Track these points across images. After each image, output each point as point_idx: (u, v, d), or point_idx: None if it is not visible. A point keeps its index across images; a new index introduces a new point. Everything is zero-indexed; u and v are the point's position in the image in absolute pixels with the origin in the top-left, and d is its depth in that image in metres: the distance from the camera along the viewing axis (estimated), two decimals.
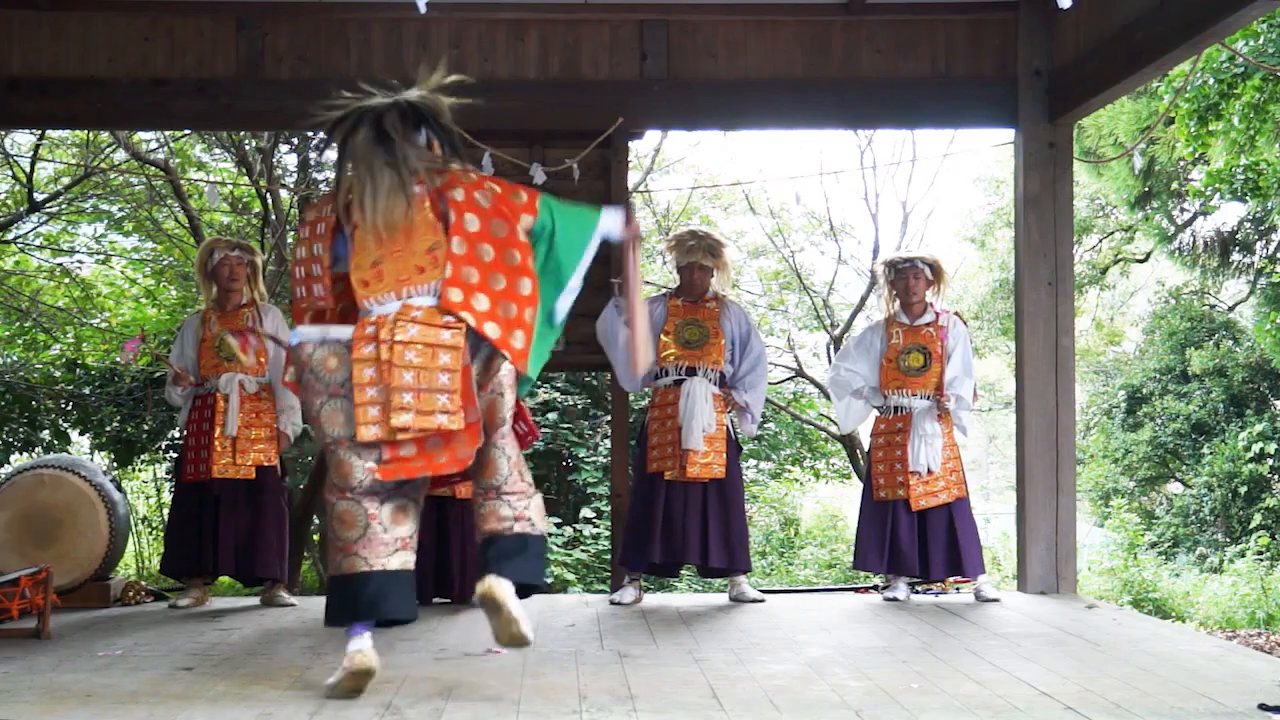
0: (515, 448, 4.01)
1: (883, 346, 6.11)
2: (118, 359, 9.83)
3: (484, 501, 3.94)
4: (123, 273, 12.40)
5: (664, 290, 6.23)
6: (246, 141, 10.54)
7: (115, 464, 10.35)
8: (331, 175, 11.06)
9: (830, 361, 13.86)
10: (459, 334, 3.76)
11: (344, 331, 3.81)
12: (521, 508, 3.94)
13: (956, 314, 6.19)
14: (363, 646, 3.79)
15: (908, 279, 6.09)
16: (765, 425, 13.44)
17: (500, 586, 3.79)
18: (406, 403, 3.69)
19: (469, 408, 3.76)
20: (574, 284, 4.01)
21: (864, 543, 6.09)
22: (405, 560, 3.87)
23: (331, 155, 11.28)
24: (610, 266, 6.49)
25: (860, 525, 6.16)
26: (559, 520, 11.48)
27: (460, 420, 3.74)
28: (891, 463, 6.02)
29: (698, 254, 6.06)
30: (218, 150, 11.33)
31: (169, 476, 11.23)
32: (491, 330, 3.79)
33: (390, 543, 3.83)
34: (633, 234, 4.12)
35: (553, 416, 12.09)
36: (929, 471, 5.95)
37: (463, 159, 3.98)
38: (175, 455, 9.67)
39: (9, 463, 9.90)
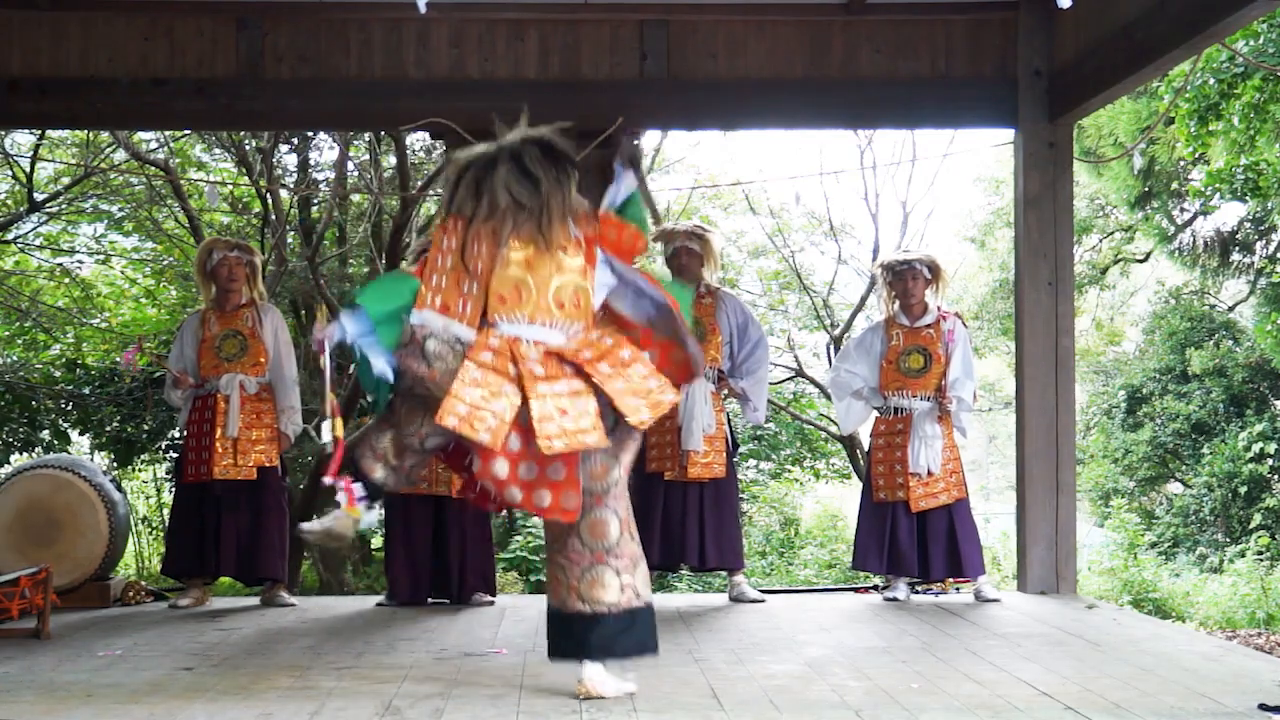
0: (626, 506, 3.89)
1: (882, 348, 6.10)
2: (118, 359, 9.83)
3: (592, 565, 3.78)
4: (123, 273, 12.40)
5: None
6: (246, 141, 10.54)
7: (115, 464, 10.35)
8: (332, 176, 11.11)
9: (830, 362, 13.89)
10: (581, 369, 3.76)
11: (466, 332, 3.79)
12: (629, 577, 3.80)
13: (957, 315, 6.18)
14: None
15: (906, 280, 6.09)
16: (765, 425, 13.43)
17: (595, 685, 3.75)
18: (552, 431, 3.65)
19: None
20: None
21: (863, 543, 6.09)
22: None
23: (331, 157, 11.29)
24: None
25: (859, 526, 6.16)
26: None
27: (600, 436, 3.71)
28: (891, 464, 6.02)
29: (682, 237, 6.07)
30: (218, 150, 11.34)
31: (169, 476, 11.23)
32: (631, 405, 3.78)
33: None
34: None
35: None
36: (929, 473, 5.94)
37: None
38: (175, 455, 9.66)
39: (9, 463, 9.89)
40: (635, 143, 4.18)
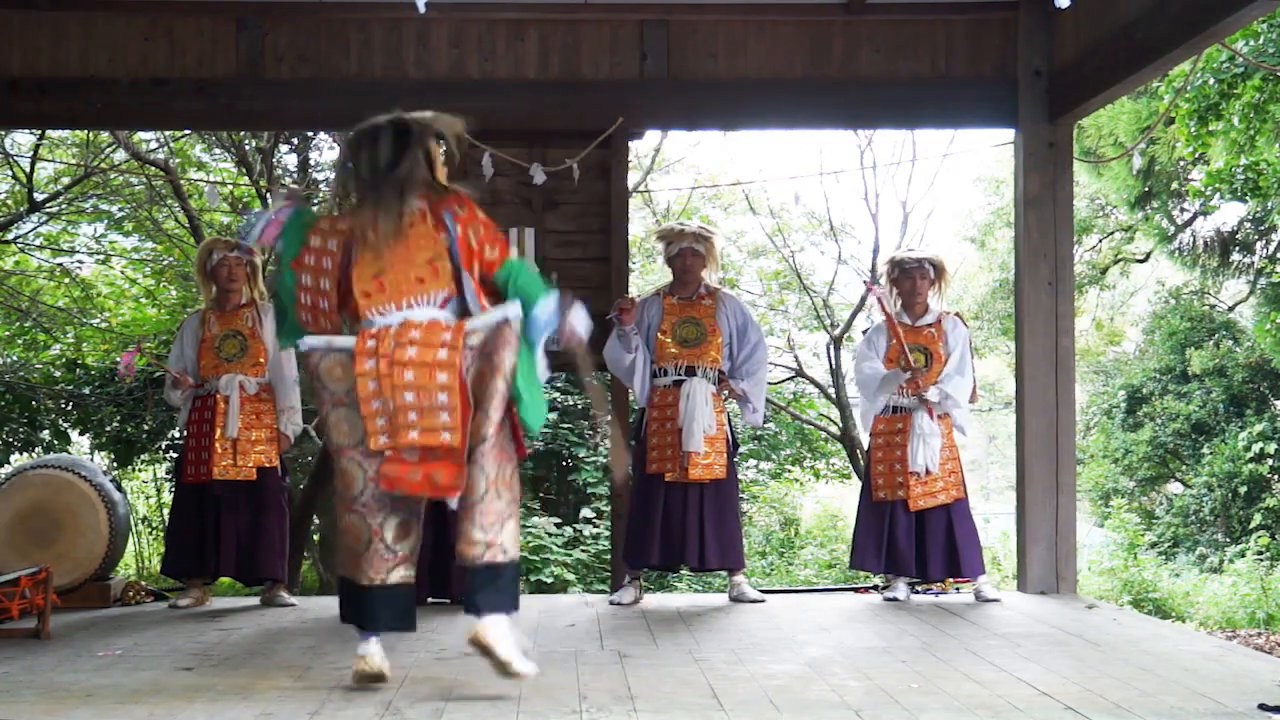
0: (495, 464, 3.88)
1: (885, 346, 6.10)
2: (117, 359, 9.84)
3: (460, 519, 3.87)
4: (123, 273, 12.41)
5: (658, 290, 6.21)
6: (246, 141, 10.54)
7: (115, 464, 10.36)
8: (332, 176, 11.12)
9: (830, 362, 13.89)
10: (455, 351, 3.78)
11: (348, 342, 3.86)
12: (495, 533, 3.84)
13: (957, 314, 6.19)
14: (368, 651, 3.93)
15: (914, 279, 6.08)
16: (765, 425, 13.44)
17: (485, 631, 3.79)
18: (411, 420, 3.74)
19: (466, 424, 3.77)
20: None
21: (862, 543, 6.09)
22: (404, 576, 3.94)
23: (332, 157, 11.30)
24: (611, 269, 6.50)
25: (858, 525, 6.16)
26: (559, 520, 11.48)
27: (460, 436, 3.75)
28: (891, 463, 6.02)
29: (687, 238, 6.06)
30: (218, 150, 11.34)
31: (169, 476, 11.23)
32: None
33: (390, 560, 3.91)
34: (571, 340, 3.97)
35: (553, 416, 12.09)
36: (927, 472, 5.94)
37: (464, 176, 3.99)
38: (175, 455, 9.67)
39: (9, 463, 9.90)
40: (578, 328, 4.08)
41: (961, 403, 5.99)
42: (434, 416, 3.74)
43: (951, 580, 6.23)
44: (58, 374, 10.56)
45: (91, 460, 9.39)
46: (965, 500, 6.07)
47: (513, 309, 3.84)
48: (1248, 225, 13.70)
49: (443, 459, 3.78)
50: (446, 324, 3.83)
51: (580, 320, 3.95)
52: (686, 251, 6.05)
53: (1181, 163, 12.45)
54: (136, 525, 11.92)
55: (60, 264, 12.05)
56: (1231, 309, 16.72)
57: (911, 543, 5.97)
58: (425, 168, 3.92)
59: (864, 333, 6.41)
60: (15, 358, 11.19)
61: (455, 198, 3.93)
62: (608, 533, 9.53)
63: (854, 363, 6.41)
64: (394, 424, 3.76)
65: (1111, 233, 16.82)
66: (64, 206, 11.23)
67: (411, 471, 3.79)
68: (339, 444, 3.91)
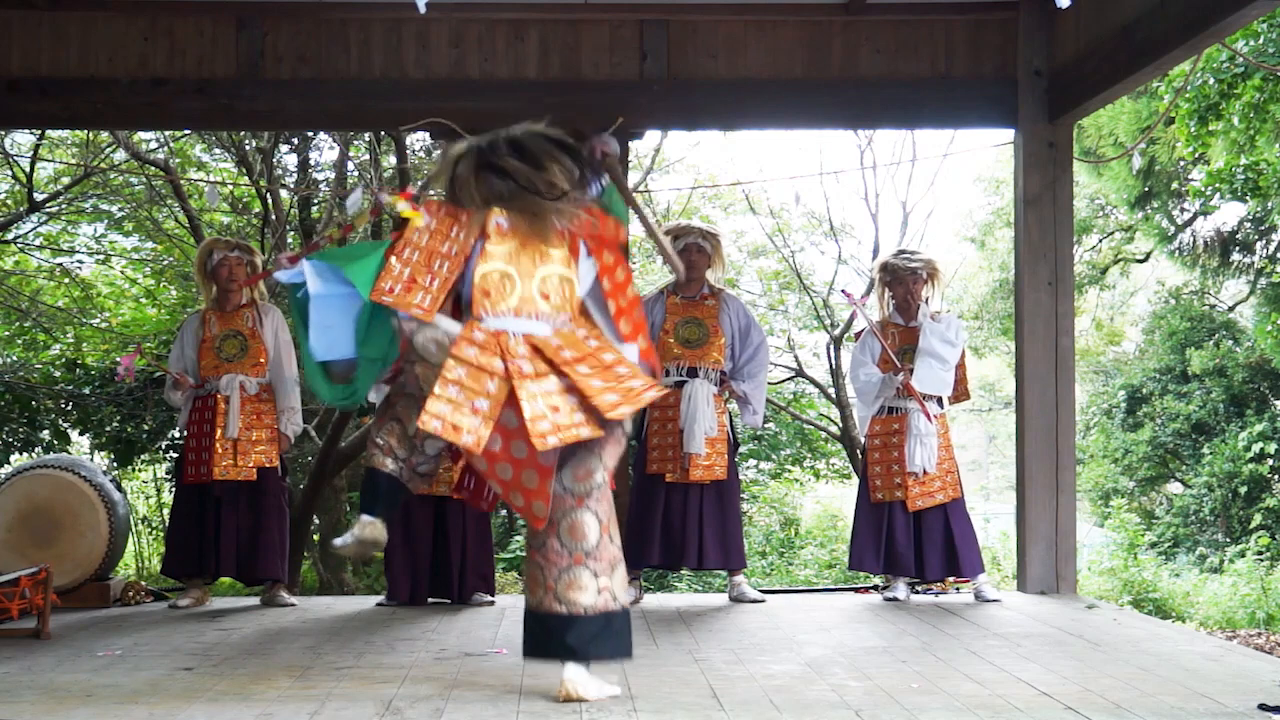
0: (608, 509, 3.83)
1: (879, 349, 6.10)
2: (118, 360, 9.84)
3: (570, 567, 3.74)
4: (123, 273, 12.40)
5: (661, 290, 6.21)
6: (246, 141, 10.54)
7: (115, 464, 10.35)
8: (332, 176, 11.12)
9: (831, 362, 13.88)
10: (573, 364, 3.74)
11: (453, 326, 3.78)
12: (607, 579, 3.76)
13: (947, 313, 6.20)
14: (374, 519, 3.91)
15: (908, 284, 6.10)
16: (765, 425, 13.44)
17: (577, 687, 3.72)
18: (544, 429, 3.61)
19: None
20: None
21: (860, 544, 6.09)
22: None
23: (331, 157, 11.29)
24: None
25: (856, 526, 6.16)
26: None
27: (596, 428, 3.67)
28: (889, 464, 6.02)
29: (694, 234, 6.07)
30: (218, 150, 11.33)
31: (169, 476, 11.23)
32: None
33: (417, 467, 3.99)
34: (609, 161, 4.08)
35: None
36: (924, 472, 5.95)
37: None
38: (175, 456, 9.66)
39: (9, 463, 9.89)
40: (607, 138, 4.10)
41: (927, 381, 5.94)
42: (573, 416, 3.66)
43: (951, 580, 6.24)
44: (58, 374, 10.55)
45: (91, 460, 9.39)
46: (962, 500, 6.08)
47: (629, 350, 3.88)
48: (1248, 225, 13.70)
49: (540, 484, 3.68)
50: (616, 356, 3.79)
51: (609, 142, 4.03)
52: (692, 247, 6.05)
53: (1181, 163, 12.45)
54: (136, 525, 11.92)
55: (60, 264, 12.04)
56: (1231, 309, 16.72)
57: (910, 543, 5.98)
58: (569, 183, 3.81)
59: (857, 335, 6.42)
60: (15, 358, 11.18)
61: (589, 223, 3.88)
62: None
63: (850, 369, 6.41)
64: (557, 425, 3.63)
65: (1111, 233, 16.83)
66: (64, 206, 11.23)
67: (503, 467, 3.70)
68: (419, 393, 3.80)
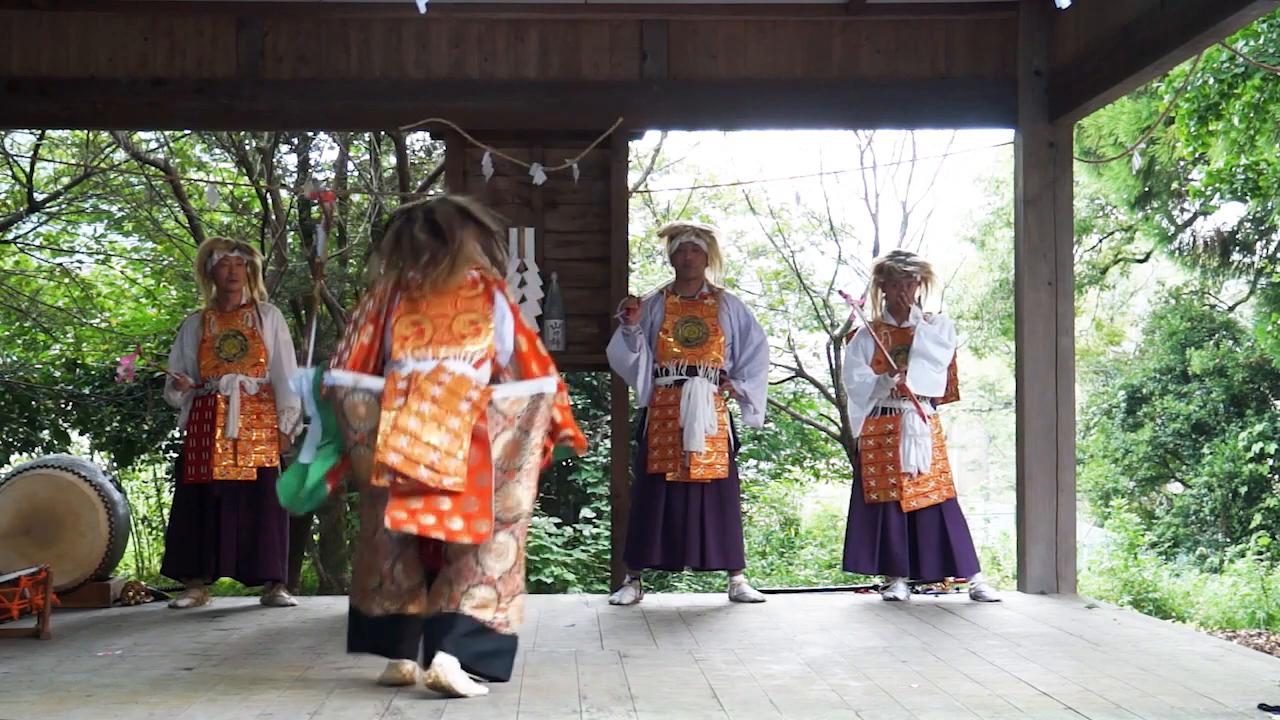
0: (523, 543, 4.01)
1: (873, 349, 6.10)
2: (118, 359, 9.85)
3: (480, 584, 3.88)
4: (123, 273, 12.41)
5: (661, 290, 6.21)
6: (246, 141, 10.54)
7: (115, 464, 10.35)
8: (332, 176, 11.13)
9: (831, 362, 13.89)
10: (478, 410, 3.86)
11: (375, 383, 3.91)
12: (507, 604, 3.92)
13: (940, 313, 6.20)
14: (399, 662, 4.00)
15: (902, 286, 6.10)
16: (765, 425, 13.44)
17: (448, 674, 3.79)
18: (400, 446, 3.76)
19: (474, 478, 3.82)
20: None
21: (855, 544, 6.09)
22: (418, 608, 4.00)
23: (331, 157, 11.30)
24: (611, 269, 6.50)
25: (851, 527, 6.16)
26: (559, 520, 11.48)
27: (467, 486, 3.79)
28: (883, 465, 6.02)
29: (688, 233, 6.07)
30: (218, 150, 11.34)
31: (169, 476, 11.23)
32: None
33: (403, 594, 3.99)
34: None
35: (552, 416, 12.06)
36: (919, 472, 5.95)
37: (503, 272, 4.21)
38: (175, 456, 9.67)
39: (9, 463, 9.90)
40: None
41: (918, 379, 5.94)
42: (447, 462, 3.78)
43: (952, 580, 6.24)
44: (58, 374, 10.55)
45: (91, 460, 9.39)
46: (955, 499, 6.08)
47: (548, 384, 4.00)
48: (1248, 225, 13.70)
49: (454, 509, 3.79)
50: (477, 383, 3.90)
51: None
52: (687, 246, 6.04)
53: (1181, 163, 12.45)
54: (136, 525, 11.92)
55: (60, 264, 12.05)
56: (1231, 309, 16.72)
57: (905, 543, 5.98)
58: (479, 246, 4.04)
59: (850, 335, 6.41)
60: (15, 358, 11.19)
61: (502, 285, 4.10)
62: (608, 533, 9.53)
63: (844, 370, 6.42)
64: (408, 456, 3.76)
65: (1111, 233, 16.83)
66: (64, 206, 11.23)
67: (424, 515, 3.79)
68: (362, 479, 3.96)
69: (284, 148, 10.88)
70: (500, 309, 4.04)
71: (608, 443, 10.57)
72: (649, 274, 14.40)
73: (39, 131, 10.20)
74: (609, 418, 8.40)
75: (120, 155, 10.81)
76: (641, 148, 12.47)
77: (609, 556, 8.04)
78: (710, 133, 12.78)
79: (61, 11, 6.36)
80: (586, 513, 11.65)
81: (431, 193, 3.96)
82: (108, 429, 10.04)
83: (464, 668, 3.83)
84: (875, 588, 6.65)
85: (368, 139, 11.09)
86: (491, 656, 3.90)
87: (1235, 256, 14.01)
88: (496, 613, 3.89)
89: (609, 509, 8.09)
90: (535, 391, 3.97)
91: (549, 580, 10.55)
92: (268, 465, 5.95)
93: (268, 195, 10.62)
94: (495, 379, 4.04)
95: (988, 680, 4.10)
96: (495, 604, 3.88)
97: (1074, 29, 6.14)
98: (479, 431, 3.85)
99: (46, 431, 10.16)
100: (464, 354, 3.94)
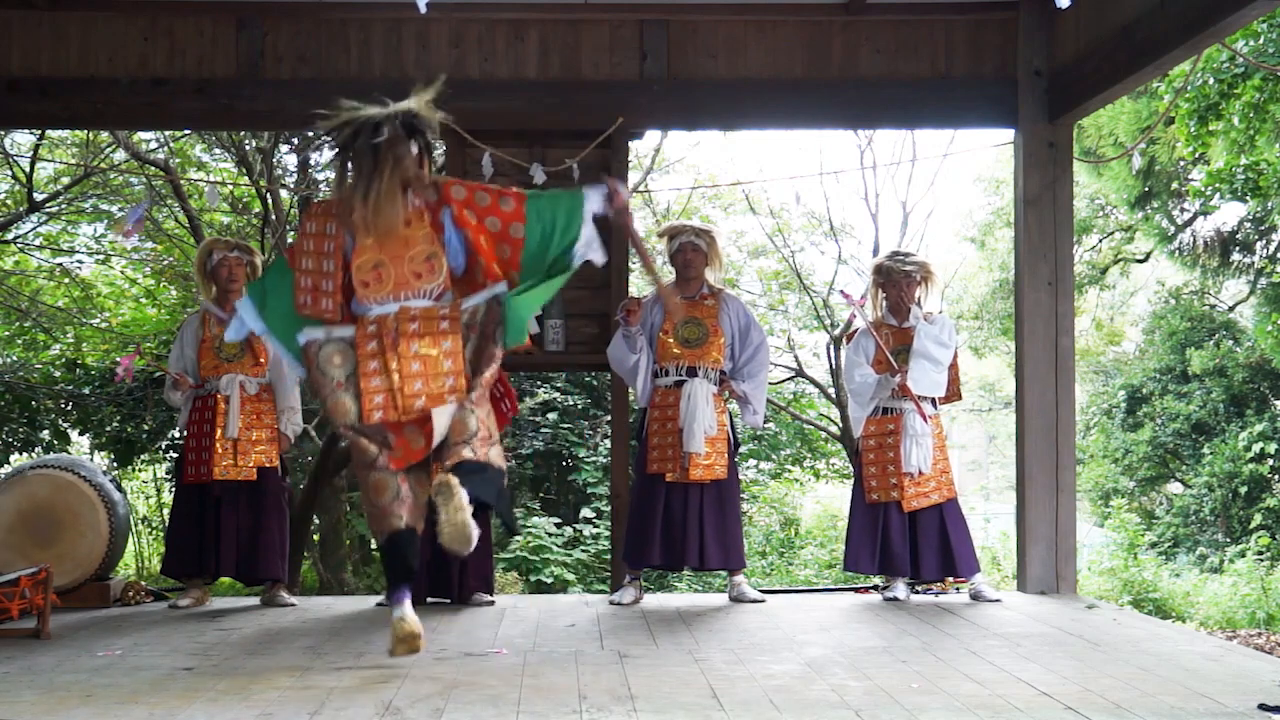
0: (487, 411, 4.29)
1: (874, 349, 6.10)
2: (118, 359, 9.85)
3: (451, 447, 4.16)
4: (123, 273, 12.41)
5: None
6: (246, 141, 10.54)
7: (115, 464, 10.36)
8: (332, 175, 11.12)
9: (831, 363, 13.89)
10: (455, 322, 4.21)
11: (347, 331, 4.23)
12: (484, 453, 4.19)
13: (940, 313, 6.20)
14: (404, 613, 4.10)
15: (901, 286, 6.10)
16: (765, 425, 13.45)
17: (456, 482, 3.99)
18: (417, 390, 4.13)
19: (467, 381, 4.19)
20: (580, 245, 4.36)
21: (855, 544, 6.09)
22: (418, 520, 4.27)
23: (329, 157, 11.29)
24: (611, 269, 6.50)
25: (851, 527, 6.16)
26: (559, 520, 11.48)
27: (463, 391, 4.17)
28: (884, 465, 6.02)
29: (687, 233, 6.06)
30: (218, 150, 11.34)
31: (169, 476, 11.24)
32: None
33: (418, 506, 4.23)
34: (619, 208, 4.38)
35: (553, 416, 12.09)
36: (919, 473, 5.95)
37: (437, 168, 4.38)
38: (175, 456, 9.67)
39: (9, 463, 9.90)
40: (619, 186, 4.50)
41: (919, 381, 5.94)
42: (439, 381, 4.14)
43: (952, 580, 6.24)
44: (58, 374, 10.56)
45: (91, 460, 9.39)
46: (956, 499, 6.08)
47: (500, 287, 4.25)
48: (1248, 225, 13.70)
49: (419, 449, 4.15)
50: (442, 310, 4.21)
51: (608, 198, 4.35)
52: (687, 246, 6.04)
53: (1181, 163, 12.46)
54: (136, 525, 11.92)
55: (60, 264, 12.05)
56: (1231, 309, 16.72)
57: (906, 543, 5.98)
58: (417, 161, 4.25)
59: (850, 335, 6.41)
60: (15, 358, 11.19)
61: (445, 192, 4.29)
62: (608, 533, 9.54)
63: (845, 370, 6.41)
64: (400, 400, 4.12)
65: (1111, 233, 16.83)
66: (64, 206, 11.23)
67: (415, 439, 4.15)
68: (345, 424, 4.21)
69: (284, 148, 10.87)
70: (448, 232, 4.27)
71: (608, 443, 10.59)
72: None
73: (39, 131, 10.19)
74: (609, 418, 8.41)
75: (120, 155, 10.81)
76: (641, 148, 12.48)
77: (609, 556, 8.04)
78: (710, 133, 12.78)
79: (61, 11, 6.36)
80: (586, 513, 11.66)
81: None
82: (108, 429, 10.04)
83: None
84: (875, 588, 6.65)
85: None
86: (479, 481, 4.09)
87: (1235, 256, 14.01)
88: (475, 453, 4.16)
89: (609, 509, 8.10)
90: (490, 295, 4.26)
91: (549, 580, 10.55)
92: (268, 465, 5.95)
93: (268, 195, 10.62)
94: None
95: (988, 680, 4.10)
96: (471, 450, 4.16)
97: (1074, 29, 6.14)
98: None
99: (46, 431, 10.17)
100: (423, 291, 4.23)
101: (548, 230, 4.30)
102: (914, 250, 8.54)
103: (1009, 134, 6.71)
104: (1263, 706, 3.66)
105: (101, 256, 12.22)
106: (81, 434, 10.57)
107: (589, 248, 4.35)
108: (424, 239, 4.24)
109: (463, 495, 3.95)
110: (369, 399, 4.14)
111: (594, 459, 11.88)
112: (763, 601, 6.00)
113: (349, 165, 4.24)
